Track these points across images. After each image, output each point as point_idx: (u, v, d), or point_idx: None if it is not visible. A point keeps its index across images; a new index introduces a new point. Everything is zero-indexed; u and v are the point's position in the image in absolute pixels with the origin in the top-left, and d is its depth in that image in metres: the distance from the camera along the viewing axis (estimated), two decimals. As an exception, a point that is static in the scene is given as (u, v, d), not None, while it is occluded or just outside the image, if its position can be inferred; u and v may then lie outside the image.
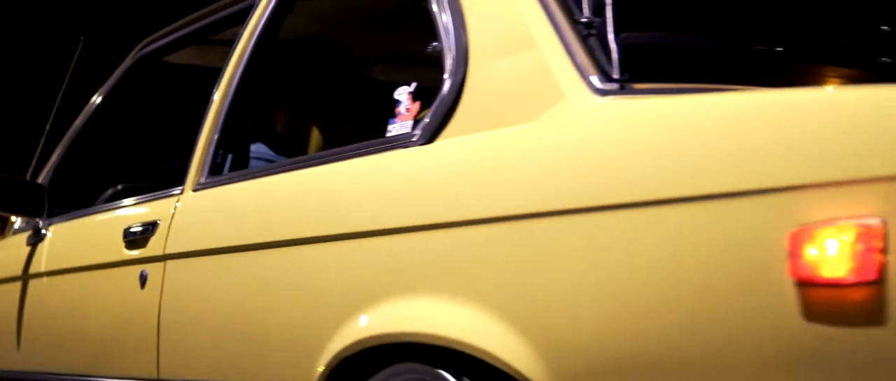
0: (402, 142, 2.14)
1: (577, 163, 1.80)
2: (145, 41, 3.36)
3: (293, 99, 3.16)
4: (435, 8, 2.22)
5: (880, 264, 1.43)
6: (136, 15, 5.42)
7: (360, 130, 2.54)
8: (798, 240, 1.49)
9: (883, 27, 2.31)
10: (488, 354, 1.83)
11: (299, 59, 3.13)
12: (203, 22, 3.13)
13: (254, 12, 2.80)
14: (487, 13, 2.12)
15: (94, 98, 3.46)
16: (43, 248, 3.27)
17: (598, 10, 1.99)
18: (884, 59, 2.28)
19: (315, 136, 3.03)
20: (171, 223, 2.70)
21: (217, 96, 2.78)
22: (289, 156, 2.88)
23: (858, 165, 1.47)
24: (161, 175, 3.07)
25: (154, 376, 2.65)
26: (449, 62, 2.12)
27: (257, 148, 2.99)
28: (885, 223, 1.43)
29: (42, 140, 3.57)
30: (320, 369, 2.13)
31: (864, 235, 1.44)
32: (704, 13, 2.22)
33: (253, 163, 2.93)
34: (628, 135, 1.78)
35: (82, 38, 3.50)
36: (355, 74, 3.19)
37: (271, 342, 2.32)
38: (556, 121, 1.87)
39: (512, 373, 1.79)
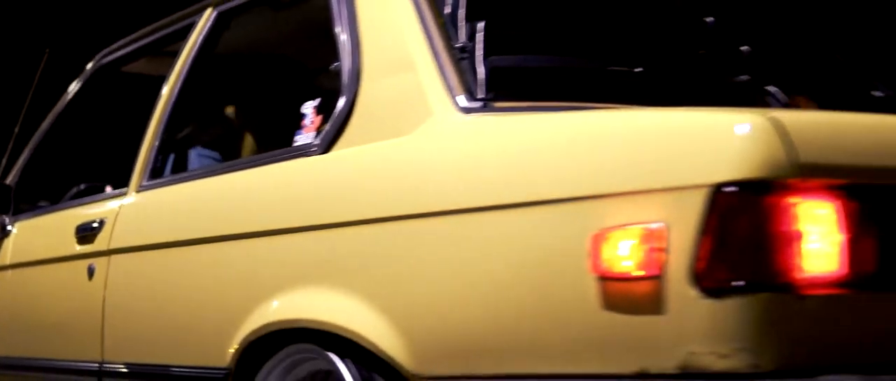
0: (304, 151, 2.42)
1: (435, 173, 2.08)
2: (104, 52, 3.64)
3: (241, 109, 3.45)
4: (338, 29, 2.49)
5: (662, 262, 1.70)
6: (99, 27, 5.68)
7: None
8: (598, 241, 1.76)
9: (742, 48, 2.58)
10: (361, 336, 2.10)
11: (248, 73, 3.41)
12: (155, 36, 3.40)
13: (194, 29, 3.07)
14: (378, 37, 2.39)
15: (58, 104, 3.73)
16: (8, 243, 3.55)
17: (472, 36, 2.26)
18: (743, 77, 2.54)
19: (252, 142, 3.31)
20: (115, 221, 2.98)
21: (158, 106, 3.05)
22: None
23: (647, 178, 1.75)
24: (121, 176, 3.34)
25: (99, 358, 2.93)
26: (345, 80, 2.40)
27: (204, 152, 3.27)
28: (667, 227, 1.70)
29: (10, 143, 3.85)
30: (232, 350, 2.40)
31: (649, 236, 1.71)
32: (574, 37, 2.49)
33: (202, 164, 3.22)
34: (480, 148, 2.06)
35: (47, 49, 3.78)
36: (304, 85, 3.46)
37: (196, 328, 2.60)
38: (423, 135, 2.15)
39: (378, 353, 2.07)
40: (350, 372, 2.15)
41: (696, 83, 2.53)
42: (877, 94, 2.70)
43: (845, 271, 1.68)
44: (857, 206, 1.70)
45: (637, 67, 2.42)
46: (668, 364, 1.69)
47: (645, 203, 1.74)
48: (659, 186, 1.73)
